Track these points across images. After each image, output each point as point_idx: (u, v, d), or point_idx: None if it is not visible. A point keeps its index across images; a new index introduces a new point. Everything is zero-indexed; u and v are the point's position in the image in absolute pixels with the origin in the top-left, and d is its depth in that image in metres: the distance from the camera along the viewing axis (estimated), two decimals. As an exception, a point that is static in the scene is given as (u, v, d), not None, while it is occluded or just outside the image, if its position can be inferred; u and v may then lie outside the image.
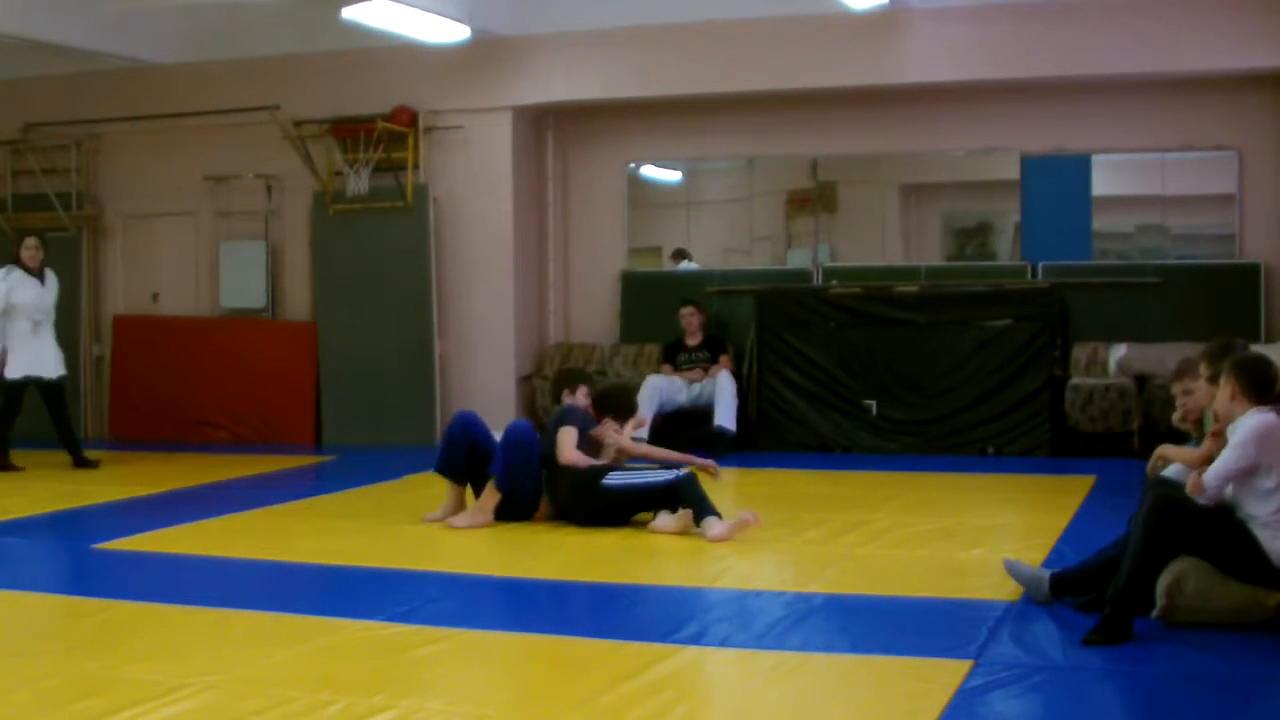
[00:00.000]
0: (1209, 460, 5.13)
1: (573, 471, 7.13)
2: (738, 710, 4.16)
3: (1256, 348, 9.03)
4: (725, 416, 10.42)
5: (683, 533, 6.82)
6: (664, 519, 6.93)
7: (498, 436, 7.47)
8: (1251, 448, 4.81)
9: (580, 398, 7.59)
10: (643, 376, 10.80)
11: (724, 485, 8.78)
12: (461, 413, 7.67)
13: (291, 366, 11.80)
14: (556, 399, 7.77)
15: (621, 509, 7.08)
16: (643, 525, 7.04)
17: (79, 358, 11.95)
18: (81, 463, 9.93)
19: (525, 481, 7.22)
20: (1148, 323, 10.36)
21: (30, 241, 9.94)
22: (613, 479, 7.11)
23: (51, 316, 9.98)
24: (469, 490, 7.46)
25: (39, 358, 9.85)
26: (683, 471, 7.01)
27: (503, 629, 5.22)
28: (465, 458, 7.39)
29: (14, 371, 9.80)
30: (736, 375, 10.80)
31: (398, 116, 11.39)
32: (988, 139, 11.00)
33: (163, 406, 11.82)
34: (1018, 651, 4.59)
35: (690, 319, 10.84)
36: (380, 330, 11.56)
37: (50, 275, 10.02)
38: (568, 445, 7.19)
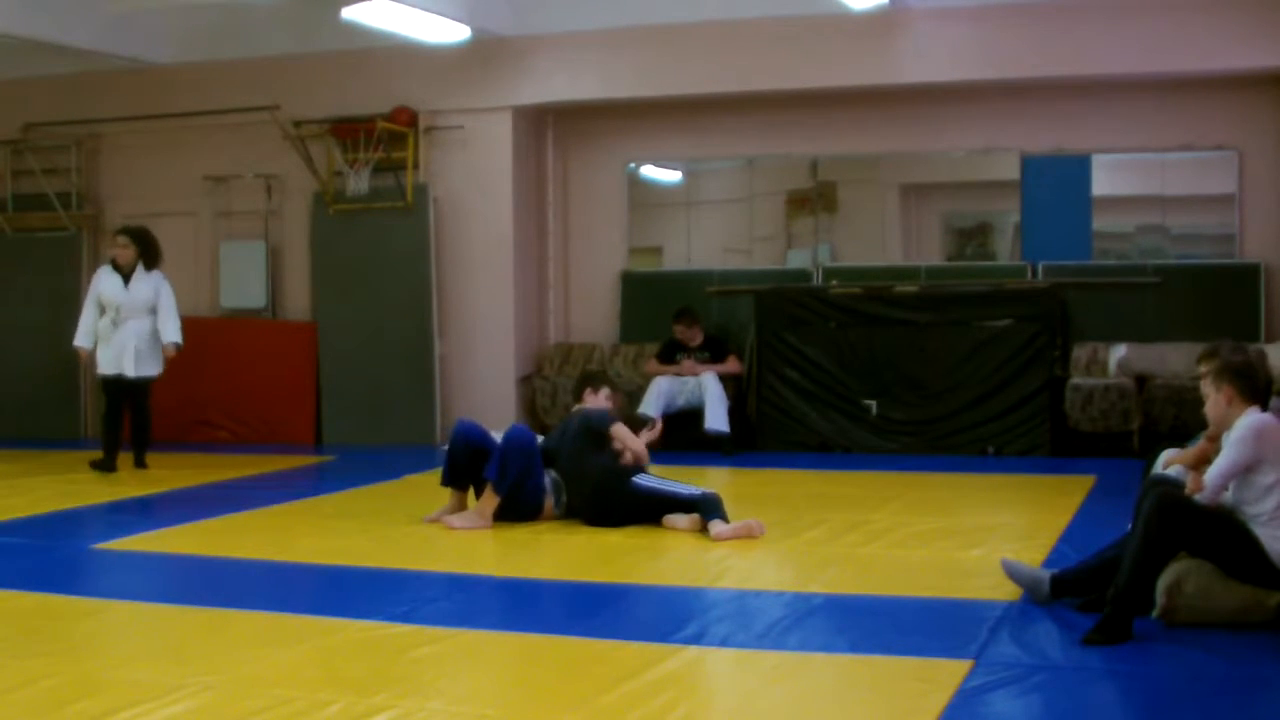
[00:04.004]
0: (1203, 460, 5.14)
1: (602, 468, 7.14)
2: (738, 710, 4.16)
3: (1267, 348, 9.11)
4: (716, 419, 10.42)
5: (693, 529, 6.86)
6: (678, 516, 6.99)
7: (497, 436, 7.47)
8: (1250, 444, 4.82)
9: (602, 399, 7.62)
10: (643, 376, 10.81)
11: (724, 485, 8.80)
12: (460, 424, 7.59)
13: (291, 366, 11.81)
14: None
15: (643, 510, 7.09)
16: (644, 524, 7.05)
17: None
18: (139, 463, 9.86)
19: (526, 483, 7.22)
20: (1148, 323, 10.37)
21: (119, 239, 9.91)
22: (642, 480, 7.15)
23: (138, 316, 9.72)
24: (470, 492, 7.46)
25: (114, 354, 9.74)
26: (710, 490, 7.06)
27: (503, 629, 5.22)
28: (466, 467, 7.36)
29: (98, 367, 9.89)
30: (735, 376, 10.81)
31: (398, 116, 11.39)
32: (988, 139, 11.00)
33: (163, 406, 11.78)
34: (1018, 651, 4.58)
35: (684, 333, 10.81)
36: (380, 330, 11.56)
37: (144, 275, 9.78)
38: (633, 436, 7.26)
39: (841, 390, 10.56)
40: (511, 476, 7.13)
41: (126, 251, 9.80)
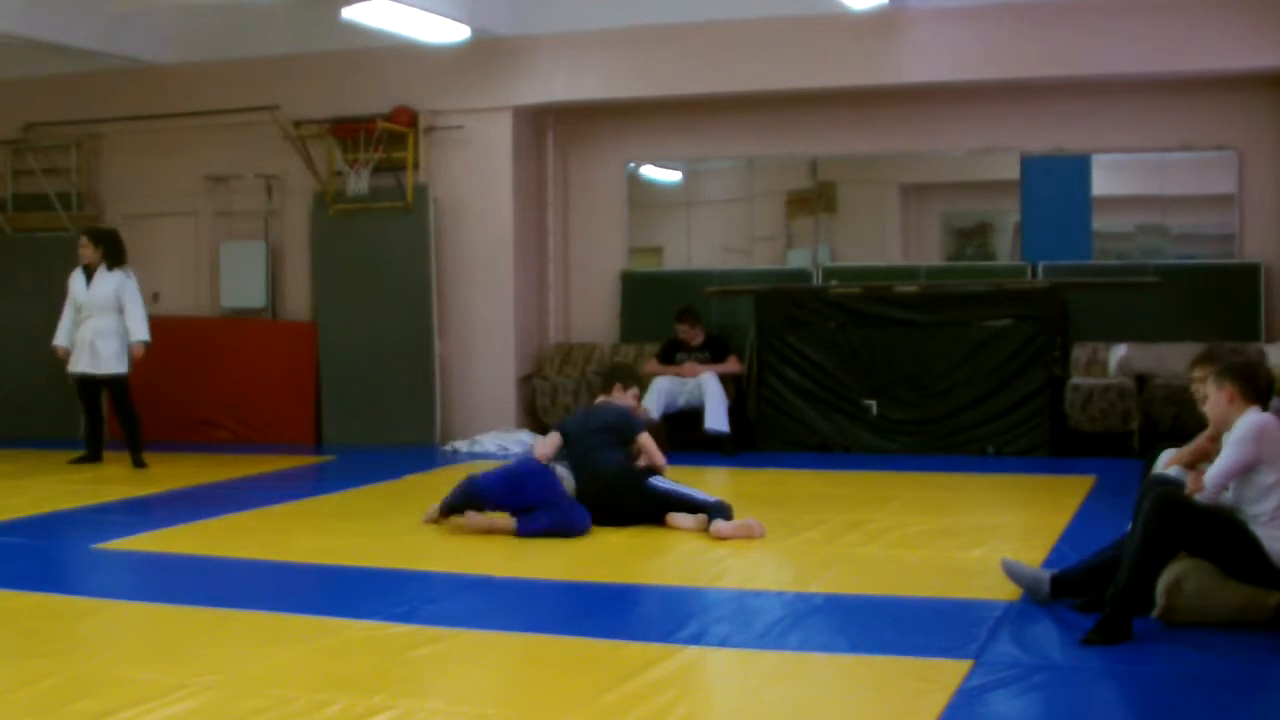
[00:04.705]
0: (1201, 457, 5.15)
1: (619, 466, 7.12)
2: (738, 710, 4.16)
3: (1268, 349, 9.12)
4: (716, 419, 10.42)
5: (697, 529, 6.88)
6: (682, 515, 7.01)
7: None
8: (1250, 445, 4.82)
9: (630, 398, 7.57)
10: (643, 376, 10.79)
11: (724, 485, 8.80)
12: (471, 480, 7.15)
13: (291, 366, 11.81)
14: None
15: (653, 510, 7.09)
16: (649, 523, 7.06)
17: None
18: (137, 463, 9.95)
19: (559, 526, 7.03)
20: (1148, 323, 10.37)
21: (81, 240, 10.21)
22: (657, 482, 7.17)
23: (100, 313, 9.95)
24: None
25: (77, 353, 10.02)
26: (722, 499, 7.05)
27: (503, 629, 5.20)
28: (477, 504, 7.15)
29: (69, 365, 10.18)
30: (735, 376, 10.81)
31: (398, 116, 11.40)
32: (988, 139, 11.00)
33: (163, 406, 11.80)
34: (1018, 651, 4.58)
35: (688, 332, 10.82)
36: (380, 330, 11.56)
37: (105, 274, 10.00)
38: (658, 450, 7.24)
39: (841, 390, 10.56)
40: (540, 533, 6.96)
41: (87, 251, 10.09)
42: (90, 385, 10.09)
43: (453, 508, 7.08)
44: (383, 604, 5.36)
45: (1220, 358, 5.07)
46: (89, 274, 10.08)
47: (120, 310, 9.99)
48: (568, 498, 7.06)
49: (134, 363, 10.05)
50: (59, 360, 10.25)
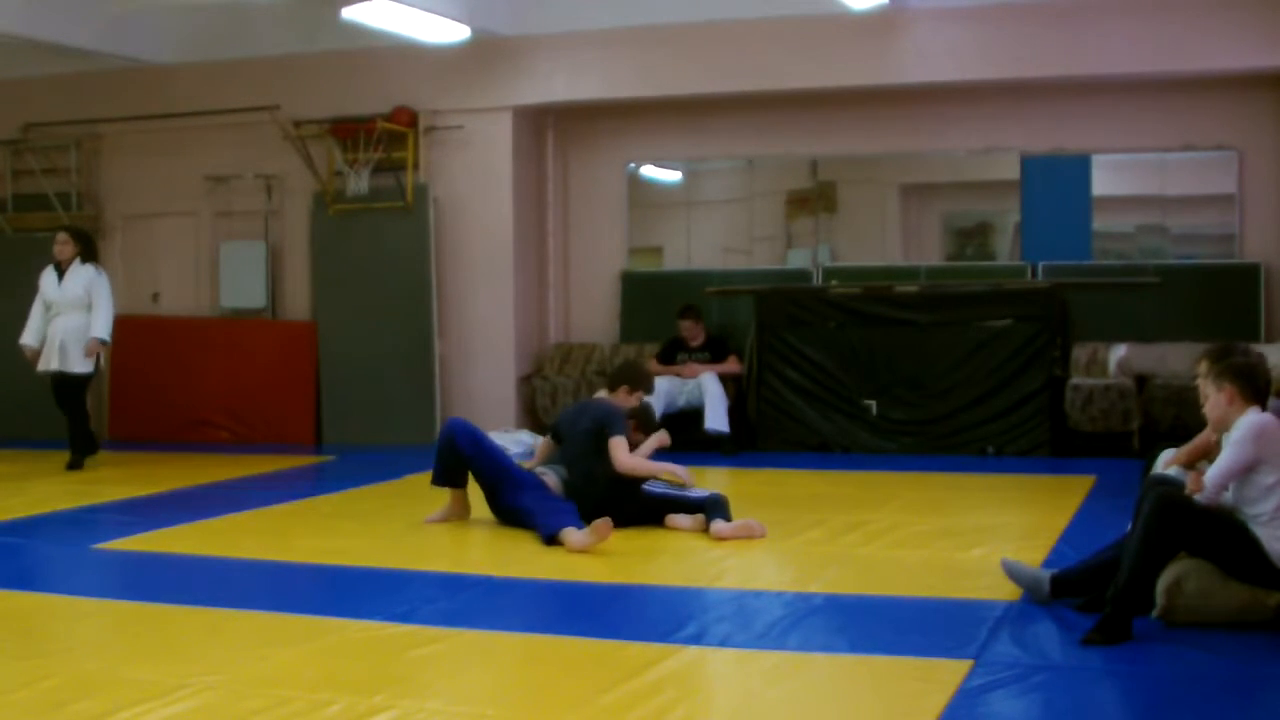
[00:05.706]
0: (1203, 453, 5.15)
1: (613, 471, 7.05)
2: (738, 710, 4.16)
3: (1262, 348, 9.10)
4: (716, 419, 10.42)
5: (696, 529, 6.89)
6: (681, 516, 7.02)
7: (496, 437, 7.44)
8: (1250, 445, 4.82)
9: (634, 400, 7.47)
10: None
11: (724, 485, 8.79)
12: (450, 423, 7.33)
13: (291, 366, 11.81)
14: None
15: (651, 512, 7.11)
16: (647, 525, 7.06)
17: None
18: (72, 465, 9.87)
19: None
20: (1148, 323, 10.37)
21: (59, 236, 10.15)
22: (653, 486, 7.18)
23: (71, 310, 9.88)
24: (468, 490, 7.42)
25: (47, 352, 9.95)
26: (717, 492, 7.06)
27: (503, 629, 5.21)
28: (457, 466, 7.19)
29: (38, 364, 10.09)
30: (735, 376, 10.82)
31: (398, 116, 11.40)
32: (988, 139, 11.00)
33: (163, 406, 11.83)
34: (1018, 651, 4.59)
35: (691, 329, 10.83)
36: (380, 330, 11.56)
37: (78, 270, 9.95)
38: (631, 456, 7.06)
39: (841, 390, 10.56)
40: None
41: (65, 248, 10.02)
42: (57, 384, 10.00)
43: (446, 470, 7.18)
44: (383, 604, 5.37)
45: (1220, 358, 5.07)
46: (60, 272, 10.01)
47: (89, 309, 9.90)
48: (555, 493, 7.09)
49: (90, 357, 9.91)
50: (27, 360, 10.10)
